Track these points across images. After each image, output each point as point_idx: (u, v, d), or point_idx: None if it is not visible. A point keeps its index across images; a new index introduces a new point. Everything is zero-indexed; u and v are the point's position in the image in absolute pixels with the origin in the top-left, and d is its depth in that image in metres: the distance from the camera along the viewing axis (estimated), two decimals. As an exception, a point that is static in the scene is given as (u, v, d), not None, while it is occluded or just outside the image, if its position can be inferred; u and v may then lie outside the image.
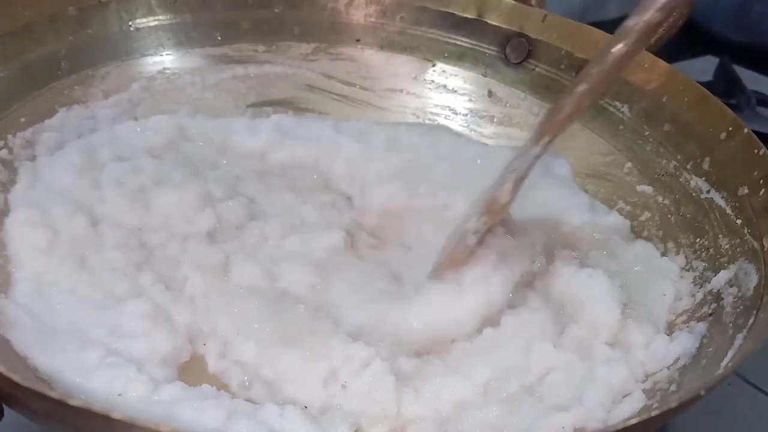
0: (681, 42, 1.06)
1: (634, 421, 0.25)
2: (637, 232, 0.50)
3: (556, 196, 0.50)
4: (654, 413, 0.26)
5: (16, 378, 0.25)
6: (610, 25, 0.56)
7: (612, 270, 0.44)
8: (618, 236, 0.47)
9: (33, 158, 0.48)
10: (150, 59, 0.58)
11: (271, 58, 0.61)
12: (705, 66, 0.94)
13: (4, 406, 0.28)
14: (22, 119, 0.49)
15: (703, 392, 0.27)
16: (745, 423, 0.46)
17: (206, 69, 0.60)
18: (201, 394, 0.37)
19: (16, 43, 0.50)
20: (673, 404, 0.26)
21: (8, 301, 0.38)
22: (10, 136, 0.48)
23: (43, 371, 0.36)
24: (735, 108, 0.79)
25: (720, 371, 0.30)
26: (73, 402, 0.24)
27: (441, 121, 0.62)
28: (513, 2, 0.60)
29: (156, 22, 0.58)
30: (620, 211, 0.51)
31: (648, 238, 0.49)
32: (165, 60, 0.58)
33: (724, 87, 0.90)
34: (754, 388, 0.48)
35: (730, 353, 0.33)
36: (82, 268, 0.42)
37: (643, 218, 0.50)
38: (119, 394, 0.35)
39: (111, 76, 0.55)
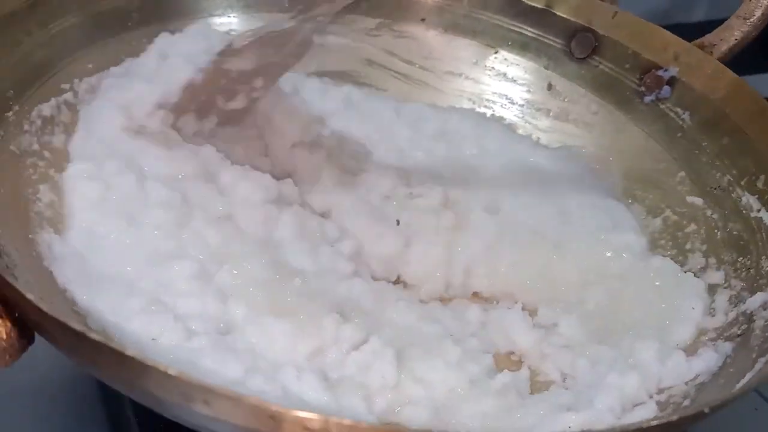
0: (758, 54, 1.03)
1: (625, 427, 0.25)
2: (680, 245, 0.49)
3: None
4: (646, 424, 0.26)
5: (43, 306, 0.26)
6: (695, 28, 0.55)
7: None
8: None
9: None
10: (217, 20, 0.59)
11: (334, 30, 0.62)
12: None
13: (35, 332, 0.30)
14: (90, 65, 0.51)
15: (707, 410, 0.27)
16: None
17: (271, 33, 0.60)
18: (227, 347, 0.38)
19: (92, -9, 0.52)
20: (674, 417, 0.26)
21: (58, 239, 0.40)
22: (76, 80, 0.50)
23: (81, 306, 0.38)
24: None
25: (729, 392, 0.29)
26: (91, 335, 0.26)
27: (497, 109, 0.61)
28: (584, -5, 0.59)
29: (227, -16, 0.59)
30: (666, 220, 0.50)
31: (691, 251, 0.48)
32: (232, 21, 0.59)
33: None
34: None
35: (749, 375, 0.33)
36: (130, 224, 0.43)
37: (688, 230, 0.49)
38: (153, 339, 0.36)
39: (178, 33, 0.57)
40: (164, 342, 0.36)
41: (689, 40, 0.53)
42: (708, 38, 0.52)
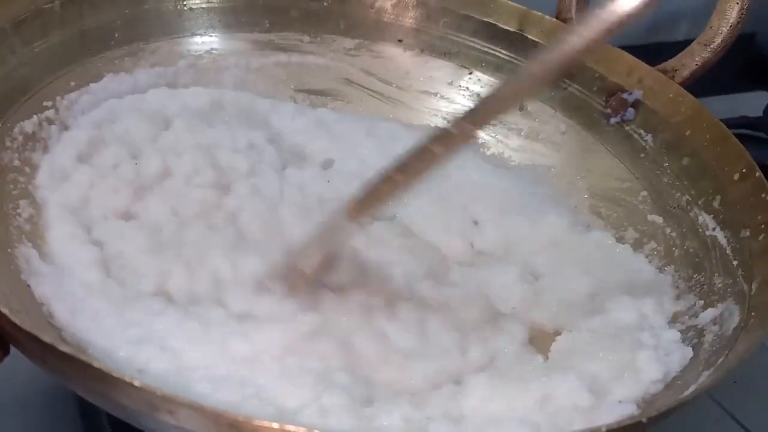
0: (741, 73, 1.06)
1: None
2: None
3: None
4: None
5: (15, 319, 0.28)
6: (678, 47, 0.57)
7: None
8: None
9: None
10: (199, 39, 0.61)
11: (314, 49, 0.64)
12: (759, 101, 0.93)
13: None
14: (72, 83, 0.52)
15: (645, 420, 0.28)
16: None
17: (251, 53, 0.62)
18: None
19: (75, 10, 0.53)
20: (603, 429, 0.27)
21: (35, 253, 0.42)
22: (58, 98, 0.51)
23: (58, 320, 0.39)
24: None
25: (665, 404, 0.31)
26: (61, 348, 0.27)
27: (470, 128, 0.63)
28: (554, 20, 0.61)
29: (208, 4, 0.61)
30: (629, 239, 0.52)
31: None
32: (213, 41, 0.61)
33: (773, 125, 0.89)
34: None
35: (692, 387, 0.34)
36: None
37: (648, 247, 0.51)
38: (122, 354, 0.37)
39: (160, 51, 0.58)
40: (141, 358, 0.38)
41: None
42: (670, 63, 0.54)
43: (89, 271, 0.42)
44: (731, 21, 0.51)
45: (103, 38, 0.55)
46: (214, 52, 0.61)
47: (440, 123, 0.63)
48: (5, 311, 0.28)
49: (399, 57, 0.65)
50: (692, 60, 0.53)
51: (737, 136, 0.87)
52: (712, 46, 0.52)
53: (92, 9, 0.55)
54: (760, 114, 0.91)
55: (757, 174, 0.45)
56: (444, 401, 0.38)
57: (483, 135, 0.63)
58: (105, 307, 0.40)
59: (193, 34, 0.60)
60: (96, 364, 0.26)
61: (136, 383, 0.26)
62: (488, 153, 0.62)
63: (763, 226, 0.43)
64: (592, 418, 0.36)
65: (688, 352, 0.40)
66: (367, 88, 0.64)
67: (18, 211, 0.44)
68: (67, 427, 0.43)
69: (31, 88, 0.49)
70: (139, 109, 0.53)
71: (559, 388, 0.37)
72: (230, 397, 0.35)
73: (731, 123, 0.87)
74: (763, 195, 0.44)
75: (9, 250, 0.41)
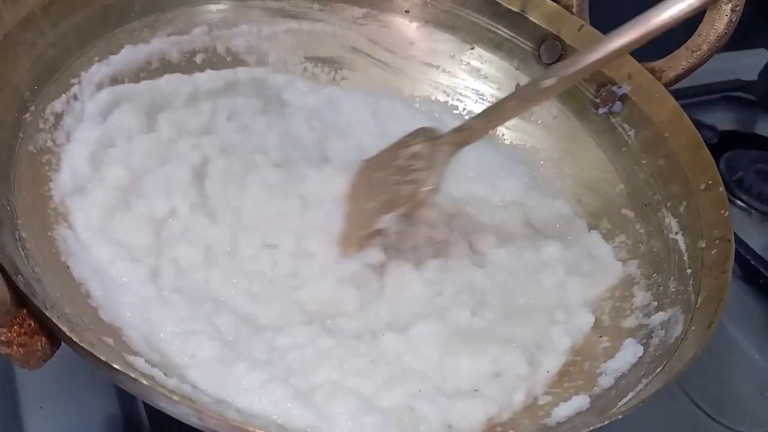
0: (742, 30, 1.06)
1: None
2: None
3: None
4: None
5: (74, 336, 0.33)
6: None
7: None
8: None
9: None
10: (214, 7, 0.63)
11: (324, 17, 0.66)
12: (757, 61, 0.95)
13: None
14: (96, 58, 0.56)
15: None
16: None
17: (263, 21, 0.65)
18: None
19: (98, -14, 0.56)
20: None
21: (71, 233, 0.47)
22: (83, 73, 0.55)
23: (95, 299, 0.44)
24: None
25: (600, 419, 0.37)
26: (113, 365, 0.33)
27: (468, 103, 0.67)
28: (556, 5, 0.63)
29: (222, -27, 0.63)
30: (601, 229, 0.57)
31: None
32: (227, 9, 0.64)
33: (765, 89, 0.91)
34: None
35: (630, 394, 0.41)
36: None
37: (618, 240, 0.56)
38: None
39: (176, 21, 0.61)
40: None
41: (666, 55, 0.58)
42: (658, 64, 0.57)
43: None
44: (719, 31, 0.54)
45: (123, 11, 0.58)
46: (228, 20, 0.64)
47: (441, 97, 0.67)
48: (65, 329, 0.34)
49: (405, 28, 0.67)
50: (678, 64, 0.56)
51: (731, 98, 0.92)
52: (698, 53, 0.55)
53: (113, -17, 0.57)
54: (755, 77, 0.93)
55: (720, 189, 0.50)
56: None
57: (478, 109, 0.66)
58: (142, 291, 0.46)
59: (208, 2, 0.63)
60: (134, 375, 0.32)
61: (176, 397, 0.32)
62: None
63: (717, 242, 0.47)
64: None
65: (639, 351, 0.45)
66: (373, 57, 0.67)
67: (51, 192, 0.49)
68: (104, 408, 0.49)
69: (59, 68, 0.53)
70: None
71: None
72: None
73: (726, 86, 0.91)
74: (722, 211, 0.49)
75: (48, 233, 0.46)
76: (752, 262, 0.67)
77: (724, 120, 0.86)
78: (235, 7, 0.64)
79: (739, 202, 0.75)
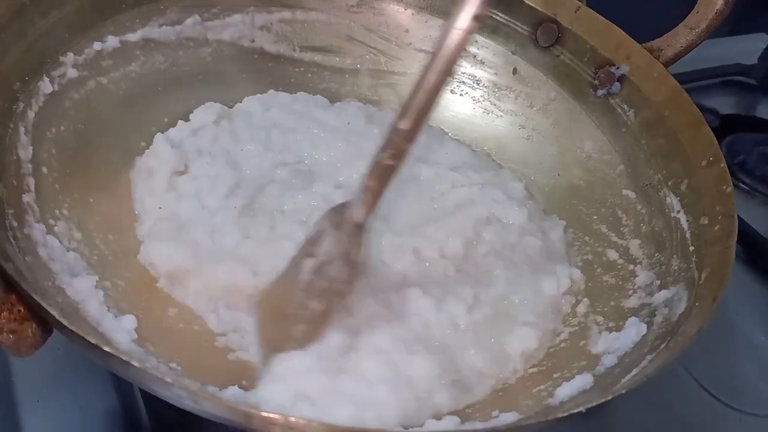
0: (741, 15, 1.06)
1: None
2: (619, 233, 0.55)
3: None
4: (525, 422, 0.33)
5: (64, 321, 0.33)
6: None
7: None
8: None
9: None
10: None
11: (317, 5, 0.66)
12: (756, 45, 0.94)
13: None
14: (86, 49, 0.55)
15: (583, 410, 0.34)
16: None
17: (257, 10, 0.64)
18: None
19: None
20: (550, 417, 0.33)
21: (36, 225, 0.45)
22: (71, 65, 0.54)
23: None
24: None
25: (604, 395, 0.36)
26: (105, 348, 0.32)
27: (465, 89, 0.66)
28: (551, -13, 0.62)
29: (214, -38, 0.62)
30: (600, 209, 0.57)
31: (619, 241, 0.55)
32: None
33: (765, 73, 0.91)
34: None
35: (634, 371, 0.40)
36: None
37: (620, 221, 0.55)
38: None
39: (169, 11, 0.60)
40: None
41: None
42: (656, 43, 0.57)
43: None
44: (717, 7, 0.53)
45: (113, 2, 0.57)
46: (220, 8, 0.63)
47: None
48: (54, 313, 0.33)
49: (399, 15, 0.67)
50: (677, 42, 0.55)
51: (732, 83, 0.91)
52: (697, 30, 0.54)
53: (104, -27, 0.56)
54: (755, 62, 0.93)
55: (722, 165, 0.49)
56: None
57: (476, 95, 0.66)
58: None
59: (201, -7, 0.62)
60: (137, 363, 0.32)
61: (168, 379, 0.31)
62: (481, 113, 0.65)
63: (720, 217, 0.47)
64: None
65: (643, 329, 0.45)
66: (368, 45, 0.67)
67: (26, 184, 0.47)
68: (102, 401, 0.48)
69: (48, 59, 0.52)
70: None
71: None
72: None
73: (726, 71, 0.91)
74: (724, 187, 0.48)
75: (25, 229, 0.45)
76: (756, 244, 0.66)
77: (724, 104, 0.86)
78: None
79: (742, 185, 0.74)
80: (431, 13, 0.66)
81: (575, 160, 0.61)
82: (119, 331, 0.41)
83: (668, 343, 0.41)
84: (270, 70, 0.64)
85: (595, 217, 0.57)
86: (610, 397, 0.34)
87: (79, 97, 0.53)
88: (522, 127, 0.64)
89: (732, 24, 1.00)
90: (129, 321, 0.42)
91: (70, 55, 0.53)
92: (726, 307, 0.44)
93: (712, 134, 0.51)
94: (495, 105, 0.65)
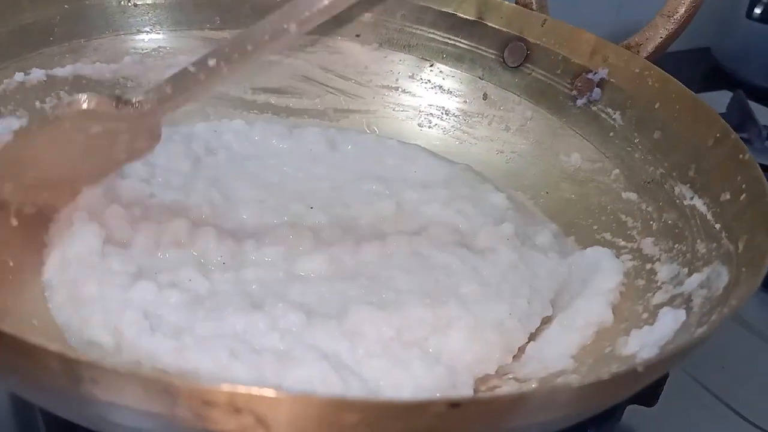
0: (701, 78, 1.07)
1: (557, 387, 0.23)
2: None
3: None
4: (586, 382, 0.24)
5: None
6: None
7: None
8: None
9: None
10: (146, 36, 0.58)
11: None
12: (720, 99, 0.93)
13: None
14: (5, 80, 0.49)
15: (641, 369, 0.25)
16: None
17: (202, 51, 0.59)
18: None
19: (13, 3, 0.50)
20: (605, 377, 0.24)
21: None
22: (-7, 92, 0.48)
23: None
24: (747, 142, 0.78)
25: (666, 350, 0.28)
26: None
27: (433, 120, 0.61)
28: (514, 5, 0.59)
29: (155, 0, 0.58)
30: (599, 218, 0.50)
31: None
32: (161, 38, 0.58)
33: (738, 120, 0.89)
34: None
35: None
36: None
37: (624, 227, 0.49)
38: None
39: (103, 48, 0.55)
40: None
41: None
42: (634, 38, 0.53)
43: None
44: (692, -11, 0.50)
45: (42, 34, 0.52)
46: (162, 50, 0.58)
47: (402, 117, 0.61)
48: None
49: (357, 52, 0.63)
50: (656, 33, 0.52)
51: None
52: (675, 17, 0.51)
53: (30, 3, 0.52)
54: (724, 110, 0.91)
55: (733, 136, 0.44)
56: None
57: (447, 126, 0.61)
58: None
59: (139, 31, 0.58)
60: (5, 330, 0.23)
61: (53, 347, 0.22)
62: (454, 144, 0.60)
63: (744, 186, 0.41)
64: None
65: (681, 315, 0.37)
66: (326, 85, 0.62)
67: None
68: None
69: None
70: None
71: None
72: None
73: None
74: (741, 156, 0.42)
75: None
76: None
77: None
78: (170, 38, 0.59)
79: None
80: (391, 47, 0.62)
81: (563, 174, 0.55)
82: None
83: (721, 311, 0.33)
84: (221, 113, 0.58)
85: (595, 227, 0.50)
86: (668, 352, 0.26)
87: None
88: (500, 152, 0.58)
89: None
90: None
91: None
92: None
93: (714, 111, 0.46)
94: (467, 133, 0.60)
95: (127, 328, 0.34)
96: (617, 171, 0.51)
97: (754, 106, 0.88)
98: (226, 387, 0.22)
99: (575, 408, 0.25)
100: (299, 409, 0.22)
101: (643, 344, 0.36)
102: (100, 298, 0.37)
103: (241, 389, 0.22)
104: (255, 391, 0.22)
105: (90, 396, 0.23)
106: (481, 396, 0.25)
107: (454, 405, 0.22)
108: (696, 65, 1.08)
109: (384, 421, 0.23)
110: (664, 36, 0.51)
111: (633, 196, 0.49)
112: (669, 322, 0.37)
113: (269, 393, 0.22)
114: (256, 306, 0.38)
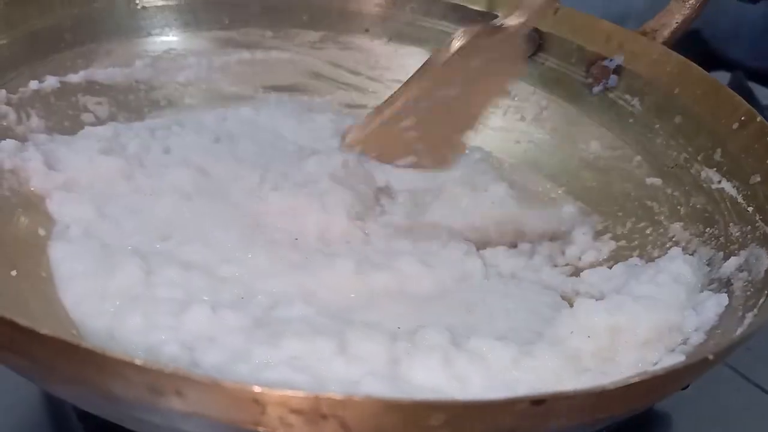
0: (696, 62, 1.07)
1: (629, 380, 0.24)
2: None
3: None
4: (651, 375, 0.24)
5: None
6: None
7: None
8: None
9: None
10: (156, 38, 0.57)
11: (278, 44, 0.61)
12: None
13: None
14: (21, 88, 0.48)
15: (711, 356, 0.26)
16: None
17: (212, 51, 0.59)
18: None
19: (21, 10, 0.49)
20: (680, 367, 0.24)
21: None
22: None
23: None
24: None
25: (728, 340, 0.28)
26: (43, 332, 0.23)
27: (448, 113, 0.61)
28: (523, -5, 0.59)
29: (163, 2, 0.57)
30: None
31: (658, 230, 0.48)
32: (171, 40, 0.58)
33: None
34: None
35: (740, 330, 0.32)
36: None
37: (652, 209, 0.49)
38: None
39: (115, 53, 0.55)
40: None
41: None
42: (649, 24, 0.53)
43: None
44: (706, -28, 0.50)
45: (52, 40, 0.51)
46: (173, 51, 0.58)
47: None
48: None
49: (367, 47, 0.62)
50: (672, 18, 0.52)
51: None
52: (690, 2, 0.51)
53: (39, 9, 0.51)
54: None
55: (758, 119, 0.44)
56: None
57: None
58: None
59: (149, 34, 0.57)
60: (86, 345, 0.22)
61: (138, 362, 0.21)
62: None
63: (775, 166, 0.41)
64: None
65: (723, 299, 0.37)
66: (336, 80, 0.62)
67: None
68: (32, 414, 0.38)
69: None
70: None
71: None
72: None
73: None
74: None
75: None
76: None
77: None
78: (180, 39, 0.58)
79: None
80: (401, 41, 0.62)
81: (583, 163, 0.55)
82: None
83: (767, 296, 0.33)
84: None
85: (620, 213, 0.50)
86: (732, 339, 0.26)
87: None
88: (517, 142, 0.58)
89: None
90: None
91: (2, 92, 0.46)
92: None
93: (737, 95, 0.46)
94: (482, 124, 0.60)
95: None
96: (639, 157, 0.52)
97: (753, 87, 0.89)
98: (313, 394, 0.21)
99: (648, 399, 0.25)
100: (384, 411, 0.22)
101: (689, 330, 0.37)
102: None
103: (329, 395, 0.21)
104: (342, 396, 0.22)
105: (169, 407, 0.23)
106: (562, 391, 0.25)
107: (537, 402, 0.22)
108: (686, 48, 1.09)
109: (469, 421, 0.23)
110: (679, 21, 0.52)
111: (657, 181, 0.50)
112: (712, 306, 0.37)
113: (357, 398, 0.22)
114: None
